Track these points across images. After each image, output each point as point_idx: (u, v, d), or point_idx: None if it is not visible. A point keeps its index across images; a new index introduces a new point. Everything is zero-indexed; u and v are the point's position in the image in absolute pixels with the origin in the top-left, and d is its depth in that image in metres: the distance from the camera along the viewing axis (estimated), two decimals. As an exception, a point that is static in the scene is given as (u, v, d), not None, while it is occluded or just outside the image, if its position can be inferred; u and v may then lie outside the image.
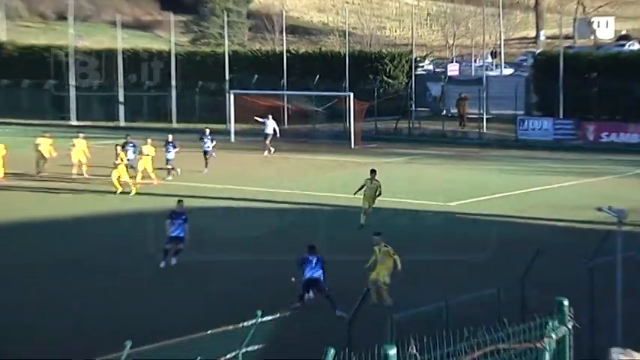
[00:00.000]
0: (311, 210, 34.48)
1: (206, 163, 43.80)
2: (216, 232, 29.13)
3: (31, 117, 66.65)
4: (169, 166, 42.44)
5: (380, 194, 31.06)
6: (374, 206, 30.94)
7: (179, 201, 27.36)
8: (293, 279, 21.71)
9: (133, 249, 27.90)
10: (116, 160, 38.64)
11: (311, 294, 21.74)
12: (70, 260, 27.02)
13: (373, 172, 31.27)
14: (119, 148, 39.81)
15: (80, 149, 42.99)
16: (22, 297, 23.16)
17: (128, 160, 40.13)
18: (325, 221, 31.71)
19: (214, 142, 44.62)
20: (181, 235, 25.86)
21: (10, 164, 43.42)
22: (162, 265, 25.58)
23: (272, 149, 50.53)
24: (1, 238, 30.90)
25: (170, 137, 43.74)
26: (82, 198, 37.84)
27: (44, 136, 44.61)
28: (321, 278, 21.69)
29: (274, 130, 51.92)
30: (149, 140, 41.88)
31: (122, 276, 25.16)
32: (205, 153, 44.06)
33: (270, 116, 52.52)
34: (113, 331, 18.53)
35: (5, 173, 43.03)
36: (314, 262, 21.77)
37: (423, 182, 41.22)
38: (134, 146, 41.88)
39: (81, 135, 44.24)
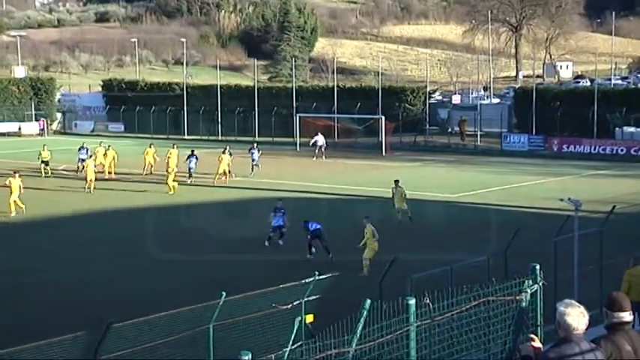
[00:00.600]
0: (352, 200, 34.44)
1: (252, 168, 41.58)
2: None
3: (157, 133, 67.28)
4: (255, 165, 42.00)
5: (406, 196, 29.43)
6: (404, 208, 29.18)
7: (279, 199, 26.96)
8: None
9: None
10: (168, 168, 36.76)
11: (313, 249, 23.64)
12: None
13: (397, 181, 29.68)
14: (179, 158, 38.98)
15: (173, 157, 38.68)
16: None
17: (190, 168, 38.79)
18: (364, 208, 31.64)
19: (260, 152, 42.66)
20: (282, 223, 25.40)
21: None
22: (266, 244, 25.11)
23: (323, 157, 50.25)
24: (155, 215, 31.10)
25: (255, 144, 43.75)
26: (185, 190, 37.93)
27: (151, 146, 43.76)
28: (322, 230, 23.55)
29: (324, 142, 51.76)
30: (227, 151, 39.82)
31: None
32: (253, 161, 41.91)
33: (320, 133, 52.64)
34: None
35: (115, 172, 41.84)
36: (315, 225, 23.64)
37: (434, 180, 41.05)
38: (196, 158, 39.62)
39: (174, 146, 40.96)
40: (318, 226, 23.53)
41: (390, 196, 29.98)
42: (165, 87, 76.26)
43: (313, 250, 23.66)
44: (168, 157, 38.49)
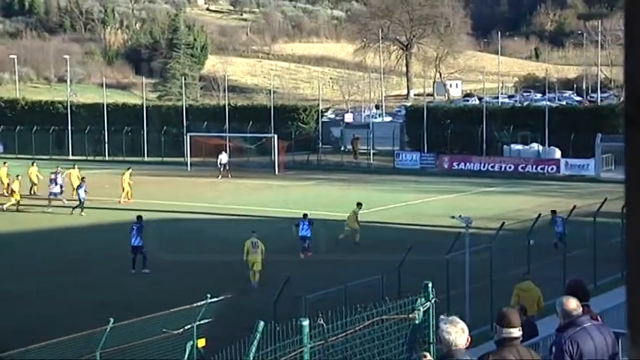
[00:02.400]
0: (247, 220, 34.27)
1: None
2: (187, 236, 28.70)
3: (40, 153, 65.18)
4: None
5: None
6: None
7: (138, 216, 25.39)
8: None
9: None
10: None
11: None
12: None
13: (359, 204, 30.25)
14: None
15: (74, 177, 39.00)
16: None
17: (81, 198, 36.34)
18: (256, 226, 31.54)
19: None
20: (139, 243, 24.12)
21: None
22: (132, 271, 24.22)
23: (229, 175, 50.27)
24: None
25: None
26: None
27: (34, 164, 43.18)
28: (309, 235, 26.19)
29: (227, 160, 52.15)
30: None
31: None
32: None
33: (223, 151, 52.97)
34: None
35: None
36: (306, 225, 26.10)
37: (327, 199, 41.25)
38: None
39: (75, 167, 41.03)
40: (308, 232, 26.36)
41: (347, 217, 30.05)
42: (47, 106, 74.13)
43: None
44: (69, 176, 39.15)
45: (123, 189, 39.29)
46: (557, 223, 26.41)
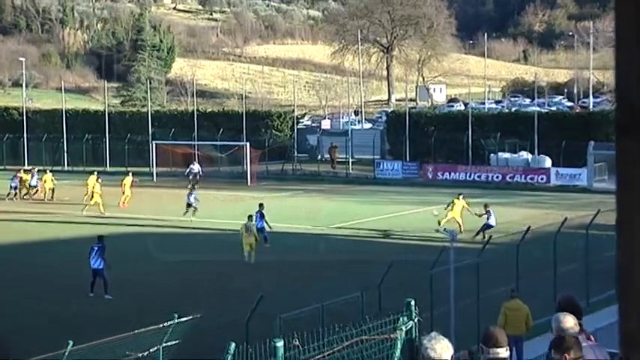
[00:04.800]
0: (215, 234, 34.20)
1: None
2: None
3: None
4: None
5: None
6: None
7: (100, 237, 24.63)
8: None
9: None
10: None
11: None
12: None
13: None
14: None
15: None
16: None
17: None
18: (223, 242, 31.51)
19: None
20: (100, 266, 23.49)
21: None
22: (90, 294, 23.47)
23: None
24: None
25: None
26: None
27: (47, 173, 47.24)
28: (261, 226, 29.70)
29: (200, 170, 53.15)
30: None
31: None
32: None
33: (195, 161, 53.75)
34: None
35: None
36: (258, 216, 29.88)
37: (302, 211, 41.28)
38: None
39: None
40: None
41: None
42: (1, 112, 73.62)
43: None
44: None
45: (123, 192, 42.55)
46: (490, 215, 31.42)
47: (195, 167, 53.35)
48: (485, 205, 32.45)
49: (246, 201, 45.02)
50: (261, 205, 31.34)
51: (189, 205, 37.30)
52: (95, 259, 23.33)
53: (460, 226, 31.51)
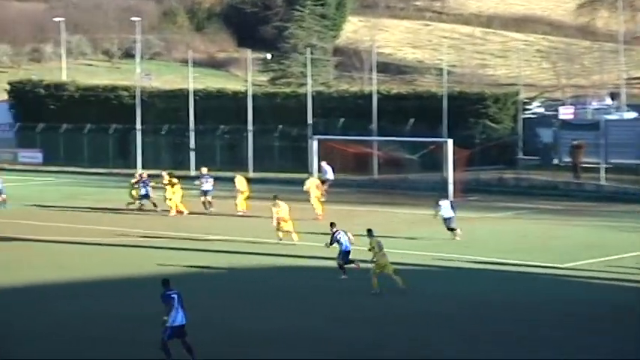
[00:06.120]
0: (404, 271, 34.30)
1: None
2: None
3: (94, 165, 67.76)
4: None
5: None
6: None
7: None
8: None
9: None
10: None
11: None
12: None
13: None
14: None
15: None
16: None
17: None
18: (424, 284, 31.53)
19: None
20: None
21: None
22: None
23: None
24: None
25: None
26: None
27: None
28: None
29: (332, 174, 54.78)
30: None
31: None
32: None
33: (325, 162, 55.13)
34: None
35: None
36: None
37: (530, 240, 40.71)
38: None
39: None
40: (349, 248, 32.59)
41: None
42: (107, 93, 76.80)
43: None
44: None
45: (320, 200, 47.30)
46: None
47: (328, 169, 54.25)
48: None
49: (443, 224, 44.91)
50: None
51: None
52: (177, 310, 22.69)
53: None
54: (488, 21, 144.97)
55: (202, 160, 66.30)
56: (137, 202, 50.15)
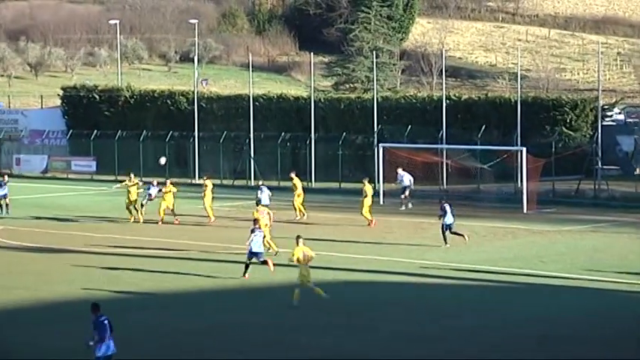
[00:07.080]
0: (474, 286, 34.05)
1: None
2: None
3: (150, 174, 68.09)
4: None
5: None
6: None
7: None
8: None
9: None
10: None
11: None
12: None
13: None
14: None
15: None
16: None
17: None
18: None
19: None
20: None
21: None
22: None
23: (409, 204, 53.20)
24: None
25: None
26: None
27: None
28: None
29: (411, 182, 54.25)
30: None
31: None
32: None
33: (401, 168, 54.86)
34: None
35: None
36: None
37: (614, 255, 40.24)
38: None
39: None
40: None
41: None
42: (163, 98, 77.28)
43: None
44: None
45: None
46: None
47: (407, 178, 54.10)
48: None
49: (519, 237, 44.56)
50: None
51: None
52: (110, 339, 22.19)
53: None
54: (566, 22, 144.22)
55: (263, 169, 66.58)
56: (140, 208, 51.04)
